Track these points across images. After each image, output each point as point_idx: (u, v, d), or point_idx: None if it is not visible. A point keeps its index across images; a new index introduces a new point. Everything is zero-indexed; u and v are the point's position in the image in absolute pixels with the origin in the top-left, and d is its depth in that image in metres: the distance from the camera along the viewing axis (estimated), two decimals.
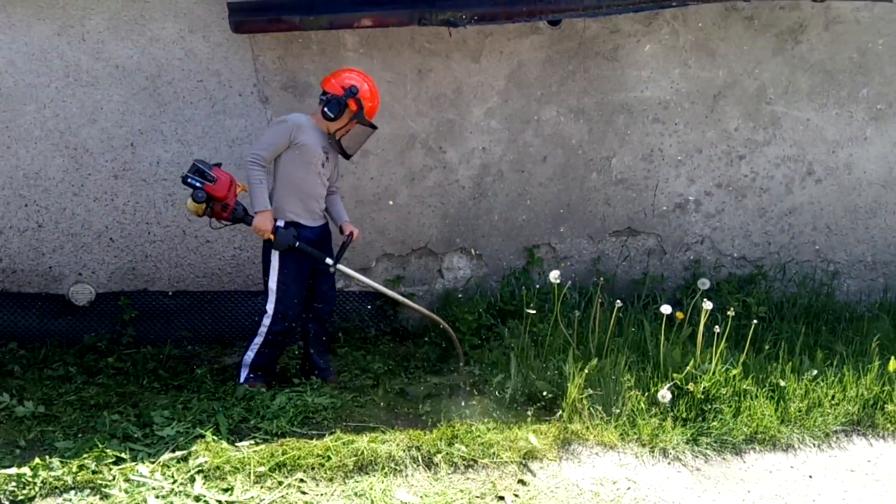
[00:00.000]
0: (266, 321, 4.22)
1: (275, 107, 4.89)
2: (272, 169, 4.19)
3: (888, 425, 4.04)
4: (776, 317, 5.22)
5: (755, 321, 4.25)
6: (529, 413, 3.97)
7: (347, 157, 4.40)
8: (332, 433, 3.72)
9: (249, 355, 4.28)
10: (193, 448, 3.52)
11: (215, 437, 3.61)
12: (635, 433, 3.84)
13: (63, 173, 4.77)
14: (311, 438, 3.69)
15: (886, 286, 5.74)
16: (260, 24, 4.43)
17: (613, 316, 4.28)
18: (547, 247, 5.45)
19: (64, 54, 4.59)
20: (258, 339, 4.24)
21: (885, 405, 4.09)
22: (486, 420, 3.90)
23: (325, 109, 4.12)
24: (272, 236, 4.08)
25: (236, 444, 3.59)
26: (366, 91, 4.17)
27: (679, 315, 4.33)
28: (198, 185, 3.93)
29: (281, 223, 4.15)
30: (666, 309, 4.03)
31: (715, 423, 3.89)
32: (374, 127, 4.29)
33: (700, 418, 3.95)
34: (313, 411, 3.96)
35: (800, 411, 4.01)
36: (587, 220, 5.43)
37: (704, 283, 4.40)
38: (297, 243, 4.12)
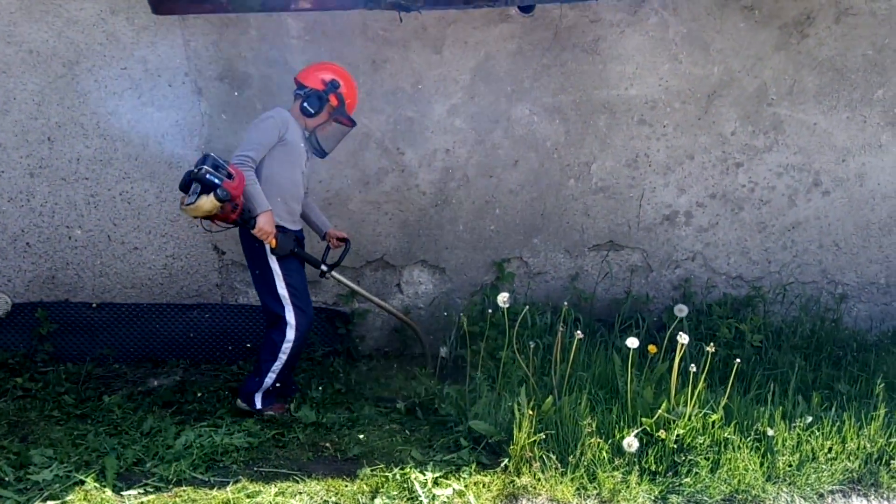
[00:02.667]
0: (290, 335, 3.78)
1: (209, 99, 4.37)
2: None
3: (894, 484, 3.43)
4: (773, 346, 4.62)
5: (737, 361, 3.65)
6: (472, 462, 3.41)
7: (323, 155, 4.05)
8: (237, 481, 3.20)
9: (269, 379, 3.81)
10: (69, 497, 3.02)
11: (98, 485, 3.11)
12: (595, 488, 3.28)
13: None
14: (212, 487, 3.19)
15: None
16: (183, 4, 3.91)
17: (574, 346, 3.69)
18: (518, 261, 4.89)
19: None
20: (282, 358, 3.80)
21: (892, 460, 3.48)
22: (422, 468, 3.35)
23: (305, 104, 3.81)
24: (275, 240, 3.67)
25: (122, 494, 3.09)
26: (349, 84, 3.93)
27: (651, 348, 3.74)
28: (217, 181, 3.40)
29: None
30: (632, 342, 3.45)
31: (688, 479, 3.30)
32: (353, 123, 4.00)
33: (671, 472, 3.37)
34: (223, 452, 3.44)
35: (790, 466, 3.41)
36: (564, 232, 4.85)
37: (682, 311, 3.81)
38: (296, 248, 3.80)
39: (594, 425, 3.45)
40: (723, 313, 4.79)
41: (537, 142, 4.67)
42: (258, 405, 3.84)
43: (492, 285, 4.89)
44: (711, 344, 3.58)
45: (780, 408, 3.65)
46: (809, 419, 3.61)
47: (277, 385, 3.86)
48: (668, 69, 4.59)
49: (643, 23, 4.50)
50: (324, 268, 4.03)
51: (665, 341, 3.82)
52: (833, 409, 3.78)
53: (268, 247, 3.71)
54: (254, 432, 3.65)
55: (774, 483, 3.36)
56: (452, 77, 4.50)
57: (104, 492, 3.07)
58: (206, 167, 3.41)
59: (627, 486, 3.27)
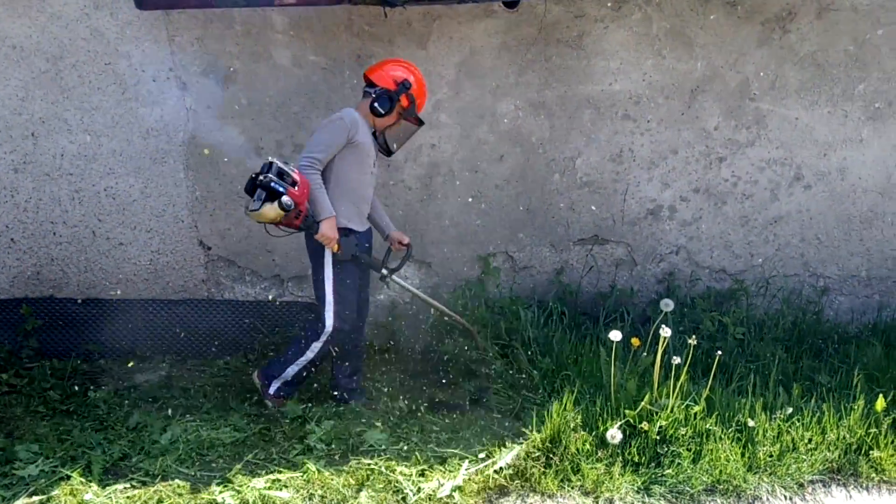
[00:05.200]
0: (324, 336, 3.77)
1: (194, 94, 4.36)
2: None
3: (873, 474, 3.48)
4: (755, 338, 4.66)
5: (719, 353, 3.69)
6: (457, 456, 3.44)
7: (389, 154, 4.03)
8: (223, 475, 3.21)
9: (291, 371, 3.83)
10: (55, 492, 3.02)
11: (84, 479, 3.11)
12: (578, 480, 3.31)
13: None
14: (198, 481, 3.18)
15: (881, 304, 5.17)
16: None
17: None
18: (504, 255, 4.91)
19: None
20: (309, 356, 3.81)
21: (871, 451, 3.53)
22: (407, 461, 3.37)
23: (376, 105, 3.74)
24: (337, 245, 3.66)
25: (107, 488, 3.08)
26: (420, 84, 3.88)
27: (635, 341, 3.78)
28: (281, 190, 3.36)
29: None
30: (615, 335, 3.48)
31: (670, 470, 3.35)
32: (422, 123, 3.97)
33: (654, 463, 3.41)
34: (209, 447, 3.45)
35: (770, 456, 3.46)
36: (549, 226, 4.88)
37: (668, 305, 3.84)
38: (358, 252, 3.78)
39: (579, 418, 3.49)
40: (706, 306, 4.83)
41: (522, 137, 4.69)
42: (271, 390, 3.87)
43: (477, 280, 4.91)
44: (693, 337, 3.61)
45: (762, 399, 3.69)
46: (790, 410, 3.65)
47: (304, 375, 3.88)
48: (651, 64, 4.62)
49: (627, 18, 4.52)
50: (384, 272, 3.97)
51: (650, 334, 3.85)
52: (813, 400, 3.83)
53: (328, 255, 3.71)
54: (240, 427, 3.65)
55: (755, 473, 3.41)
56: (437, 72, 4.51)
57: (90, 486, 3.07)
58: (270, 175, 3.36)
59: (611, 478, 3.30)
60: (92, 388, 4.14)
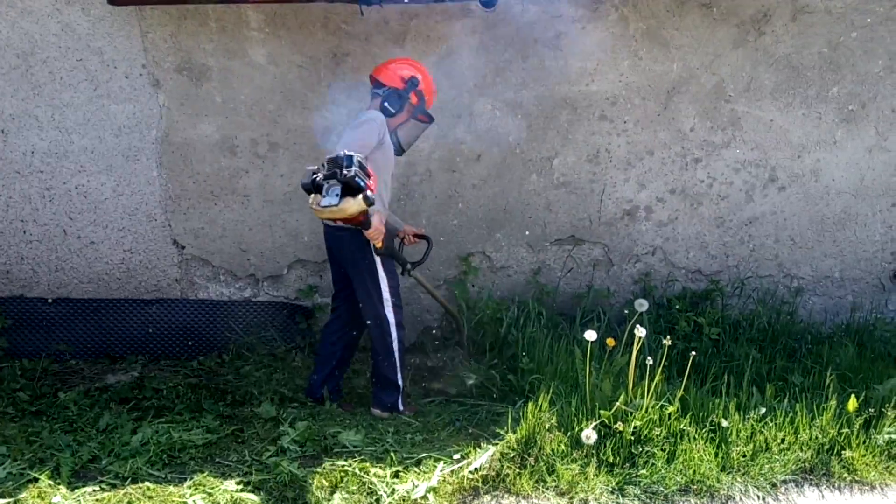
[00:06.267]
0: (392, 330, 3.87)
1: (167, 91, 4.30)
2: None
3: (845, 474, 3.50)
4: (730, 339, 4.69)
5: (693, 353, 3.70)
6: (435, 458, 3.42)
7: (401, 152, 4.00)
8: (194, 477, 3.17)
9: (399, 378, 3.95)
10: (22, 495, 2.97)
11: (52, 482, 3.06)
12: (553, 480, 3.30)
13: None
14: (169, 483, 3.14)
15: (854, 305, 5.23)
16: None
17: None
18: (481, 255, 4.90)
19: None
20: (397, 356, 3.90)
21: (843, 451, 3.56)
22: (382, 463, 3.35)
23: (386, 104, 3.72)
24: (381, 241, 3.63)
25: (76, 491, 3.03)
26: (428, 81, 3.89)
27: (610, 341, 3.78)
28: (362, 184, 3.24)
29: None
30: (590, 335, 3.48)
31: (644, 471, 3.35)
32: (431, 119, 3.97)
33: (629, 463, 3.41)
34: (181, 448, 3.40)
35: (744, 456, 3.47)
36: (526, 226, 4.88)
37: (642, 305, 3.84)
38: (395, 247, 3.85)
39: (554, 419, 3.48)
40: (682, 307, 4.85)
41: (500, 137, 4.68)
42: (402, 408, 3.98)
43: (457, 279, 4.90)
44: (668, 337, 3.62)
45: (735, 399, 3.71)
46: (763, 410, 3.67)
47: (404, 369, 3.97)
48: (628, 65, 4.63)
49: (604, 19, 4.53)
50: (408, 266, 3.99)
51: (625, 334, 3.86)
52: (786, 400, 3.84)
53: (372, 246, 3.68)
54: (213, 428, 3.61)
55: (729, 473, 3.42)
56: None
57: (58, 489, 3.02)
58: (355, 169, 3.22)
59: (585, 478, 3.30)
60: (62, 388, 4.08)
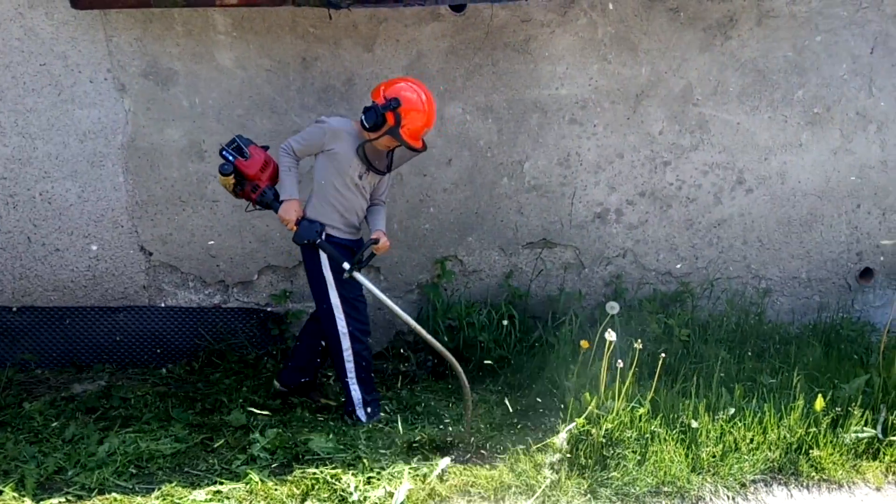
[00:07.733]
0: (345, 343, 3.86)
1: (133, 95, 4.25)
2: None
3: (813, 473, 3.55)
4: (700, 340, 4.73)
5: (663, 355, 3.72)
6: (406, 463, 3.40)
7: (379, 172, 3.92)
8: (160, 489, 3.12)
9: (356, 392, 3.90)
10: None
11: (17, 494, 3.01)
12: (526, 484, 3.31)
13: None
14: (137, 494, 3.09)
15: (821, 305, 5.30)
16: None
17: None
18: (454, 259, 4.89)
19: None
20: (350, 367, 3.88)
21: (811, 450, 3.61)
22: (354, 469, 3.33)
23: (363, 118, 3.74)
24: (295, 227, 3.78)
25: (41, 503, 2.98)
26: (412, 106, 3.67)
27: (584, 344, 3.79)
28: (230, 158, 3.72)
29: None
30: (612, 307, 3.51)
31: (616, 473, 3.37)
32: (414, 150, 3.83)
33: (600, 466, 3.42)
34: (148, 458, 3.36)
35: (713, 457, 3.51)
36: (498, 230, 4.88)
37: (613, 308, 3.87)
38: (319, 240, 3.77)
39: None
40: (652, 309, 4.88)
41: (471, 140, 4.69)
42: (364, 419, 3.91)
43: (431, 283, 4.89)
44: (639, 340, 3.64)
45: (705, 400, 3.74)
46: (732, 411, 3.71)
47: (366, 378, 3.94)
48: (597, 69, 4.66)
49: (573, 23, 4.55)
50: (346, 266, 3.89)
51: (597, 337, 3.87)
52: (755, 400, 3.88)
53: (324, 258, 3.78)
54: (181, 437, 3.57)
55: (699, 474, 3.45)
56: (385, 75, 4.46)
57: (23, 502, 2.97)
58: (224, 145, 3.75)
59: (557, 481, 3.31)
60: (27, 398, 4.01)
